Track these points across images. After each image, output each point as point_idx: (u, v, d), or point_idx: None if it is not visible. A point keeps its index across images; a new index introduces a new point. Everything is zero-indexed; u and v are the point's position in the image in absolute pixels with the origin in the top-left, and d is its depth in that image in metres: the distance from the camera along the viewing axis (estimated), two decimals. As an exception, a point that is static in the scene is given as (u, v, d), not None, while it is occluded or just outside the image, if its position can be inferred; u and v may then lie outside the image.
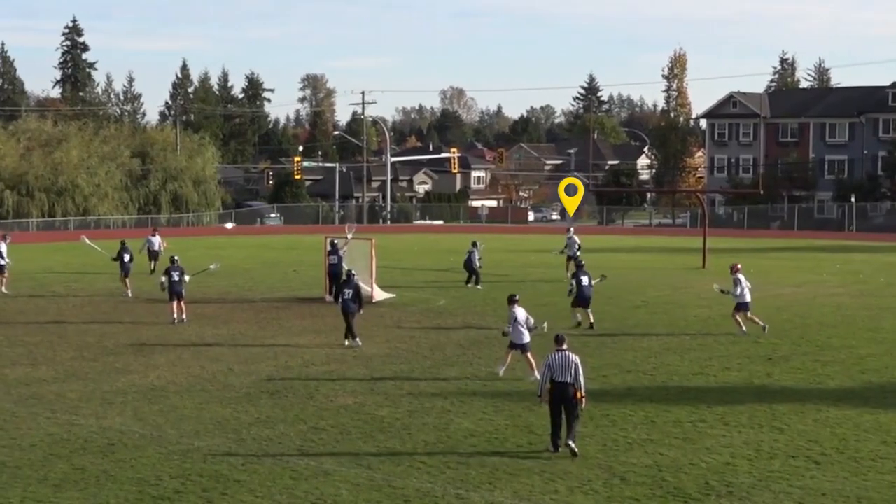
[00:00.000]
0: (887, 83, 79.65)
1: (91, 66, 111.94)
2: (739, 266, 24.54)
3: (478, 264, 32.84)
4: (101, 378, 18.74)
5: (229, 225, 68.82)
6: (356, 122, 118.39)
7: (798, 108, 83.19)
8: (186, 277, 25.81)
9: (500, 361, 19.31)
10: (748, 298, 23.83)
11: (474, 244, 33.63)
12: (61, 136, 72.87)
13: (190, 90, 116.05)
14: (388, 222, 79.00)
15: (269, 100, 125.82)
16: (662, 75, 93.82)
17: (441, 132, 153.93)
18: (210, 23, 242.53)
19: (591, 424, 15.41)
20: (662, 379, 19.04)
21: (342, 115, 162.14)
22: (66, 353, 21.23)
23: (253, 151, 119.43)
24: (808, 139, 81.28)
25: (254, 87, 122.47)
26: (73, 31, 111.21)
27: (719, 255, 45.15)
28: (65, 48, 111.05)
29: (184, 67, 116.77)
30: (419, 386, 18.17)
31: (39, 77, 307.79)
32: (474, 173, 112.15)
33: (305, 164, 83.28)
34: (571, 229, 36.45)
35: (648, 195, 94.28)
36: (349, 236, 30.53)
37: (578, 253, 34.75)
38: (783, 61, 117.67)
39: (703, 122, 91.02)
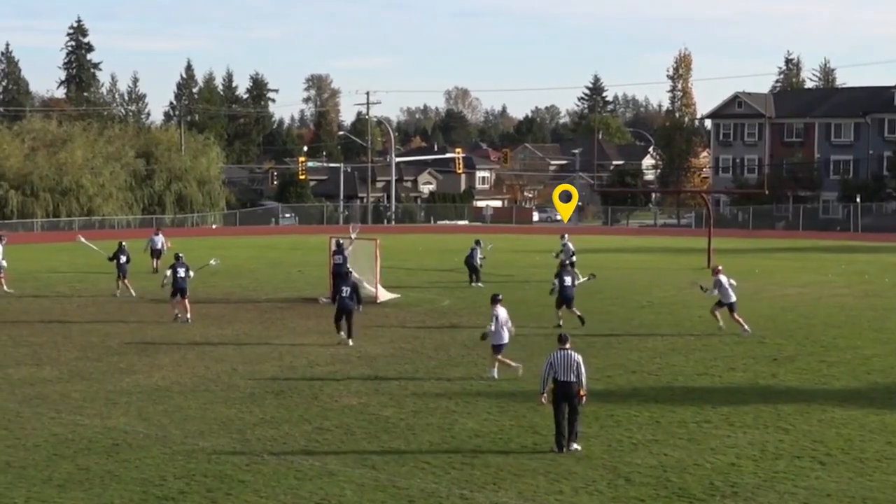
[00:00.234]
0: (892, 83, 79.59)
1: (96, 66, 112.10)
2: (721, 267, 24.76)
3: (479, 262, 32.83)
4: (105, 378, 18.74)
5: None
6: (361, 122, 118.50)
7: (803, 108, 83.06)
8: (191, 274, 25.85)
9: (489, 366, 19.13)
10: (734, 298, 23.87)
11: (477, 242, 33.65)
12: (66, 137, 72.99)
13: (194, 90, 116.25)
14: (393, 222, 79.00)
15: (273, 100, 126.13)
16: (667, 75, 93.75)
17: (446, 132, 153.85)
18: (215, 23, 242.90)
19: (595, 425, 15.39)
20: (667, 379, 19.00)
21: (347, 116, 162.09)
22: (70, 353, 21.24)
23: (257, 152, 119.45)
24: (813, 139, 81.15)
25: (258, 88, 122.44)
26: (78, 31, 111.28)
27: (724, 255, 45.08)
28: (69, 48, 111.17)
29: (188, 68, 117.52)
30: (423, 386, 18.15)
31: (44, 77, 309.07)
32: (479, 173, 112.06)
33: (310, 164, 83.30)
34: (566, 236, 36.33)
35: (653, 195, 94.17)
36: (353, 236, 30.51)
37: (574, 259, 34.71)
38: (788, 61, 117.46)
39: (708, 123, 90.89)
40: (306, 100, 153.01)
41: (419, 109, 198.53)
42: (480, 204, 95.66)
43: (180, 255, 26.49)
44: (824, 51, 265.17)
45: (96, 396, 17.25)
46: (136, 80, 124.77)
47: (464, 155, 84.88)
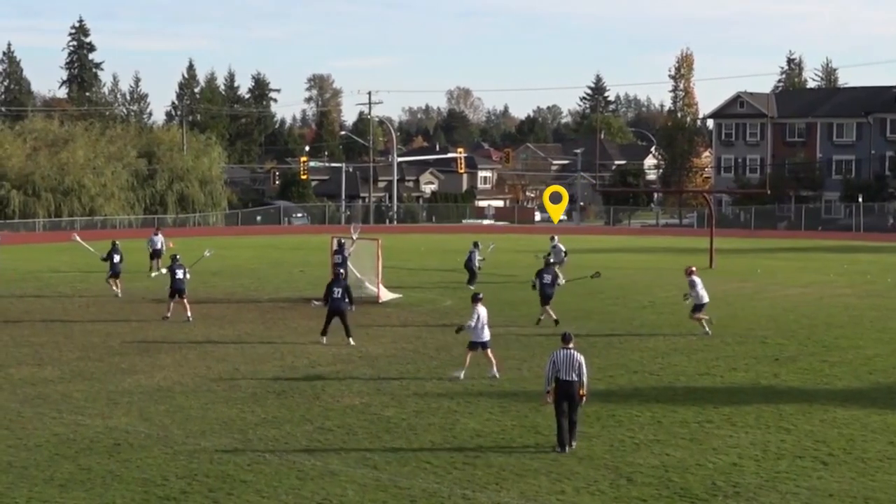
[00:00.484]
0: (894, 83, 79.51)
1: (97, 66, 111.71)
2: (694, 268, 24.65)
3: (477, 265, 32.81)
4: (106, 378, 18.72)
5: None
6: (362, 122, 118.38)
7: (805, 108, 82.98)
8: (189, 275, 25.89)
9: (459, 366, 19.03)
10: (706, 300, 23.85)
11: (475, 244, 33.64)
12: (67, 137, 72.71)
13: (196, 90, 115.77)
14: (395, 222, 78.96)
15: (275, 100, 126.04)
16: (669, 75, 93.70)
17: (447, 132, 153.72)
18: (216, 23, 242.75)
19: (597, 425, 15.39)
20: (669, 379, 18.98)
21: (348, 116, 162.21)
22: (71, 353, 21.22)
23: (259, 151, 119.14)
24: (815, 139, 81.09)
25: (260, 88, 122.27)
26: (80, 31, 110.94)
27: (726, 255, 45.11)
28: (71, 48, 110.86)
29: (190, 67, 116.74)
30: (425, 386, 18.13)
31: (46, 77, 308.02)
32: (481, 173, 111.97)
33: (312, 164, 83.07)
34: (556, 237, 36.29)
35: (655, 195, 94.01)
36: (355, 237, 30.48)
37: (566, 260, 34.66)
38: (790, 61, 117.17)
39: (710, 123, 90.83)
40: (308, 99, 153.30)
41: (421, 109, 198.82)
42: (482, 204, 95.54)
43: (177, 256, 26.52)
44: (826, 50, 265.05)
45: (98, 396, 17.23)
46: (137, 80, 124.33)
47: (466, 155, 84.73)
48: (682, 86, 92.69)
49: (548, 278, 24.81)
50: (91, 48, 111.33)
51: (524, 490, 12.43)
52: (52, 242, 55.10)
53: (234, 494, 12.23)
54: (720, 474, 13.13)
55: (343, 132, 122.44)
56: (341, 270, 23.52)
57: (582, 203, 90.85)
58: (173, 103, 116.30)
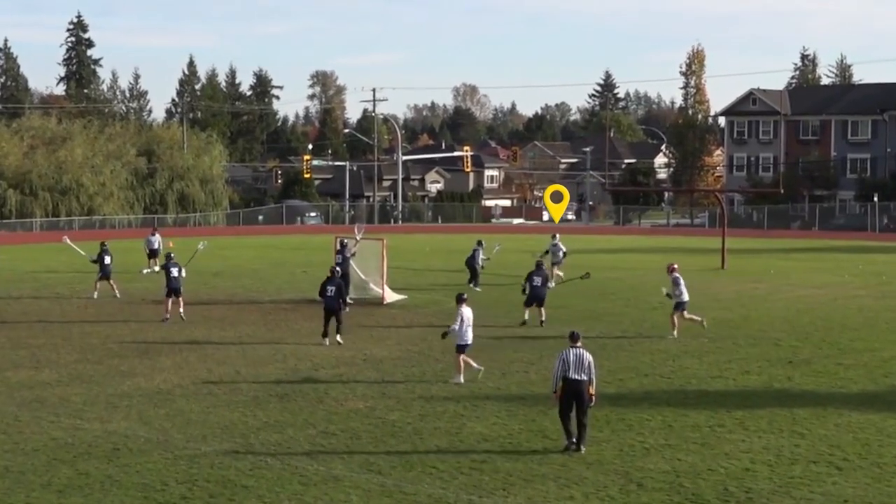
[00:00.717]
0: (910, 80, 78.91)
1: (96, 62, 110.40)
2: (676, 266, 24.41)
3: (480, 264, 32.56)
4: (105, 381, 18.59)
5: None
6: (367, 119, 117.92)
7: (819, 105, 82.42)
8: (184, 273, 25.78)
9: (455, 371, 18.82)
10: (686, 298, 23.63)
11: (479, 243, 33.41)
12: (65, 135, 71.90)
13: (197, 87, 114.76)
14: (400, 222, 78.69)
15: (277, 97, 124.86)
16: (680, 72, 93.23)
17: (454, 130, 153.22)
18: (217, 18, 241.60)
19: (607, 429, 15.27)
20: (680, 382, 18.83)
21: (352, 113, 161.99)
22: (69, 356, 21.06)
23: (261, 150, 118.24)
24: (829, 137, 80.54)
25: (262, 84, 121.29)
26: (78, 26, 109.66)
27: (739, 255, 44.79)
28: (69, 44, 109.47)
29: (191, 64, 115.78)
30: (431, 389, 17.99)
31: (43, 74, 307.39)
32: (487, 172, 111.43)
33: (315, 162, 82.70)
34: (557, 235, 36.17)
35: (666, 195, 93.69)
36: (358, 237, 30.26)
37: (564, 260, 34.50)
38: (804, 57, 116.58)
39: (722, 120, 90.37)
40: (311, 97, 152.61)
41: (426, 107, 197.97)
42: (489, 203, 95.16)
43: (172, 255, 26.42)
44: (841, 46, 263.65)
45: (96, 400, 17.11)
46: (137, 77, 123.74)
47: (472, 153, 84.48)
48: (693, 82, 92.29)
49: (538, 280, 24.89)
50: (90, 44, 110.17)
51: (532, 496, 12.33)
52: (50, 242, 54.90)
53: (236, 500, 12.12)
54: (732, 480, 13.00)
55: (347, 130, 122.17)
56: (337, 269, 23.63)
57: (591, 203, 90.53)
58: (173, 100, 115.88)
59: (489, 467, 13.38)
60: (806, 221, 74.35)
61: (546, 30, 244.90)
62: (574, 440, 14.07)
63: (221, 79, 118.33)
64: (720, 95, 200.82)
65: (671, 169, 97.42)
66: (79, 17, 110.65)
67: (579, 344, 14.26)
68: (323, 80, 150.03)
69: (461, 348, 18.47)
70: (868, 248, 54.17)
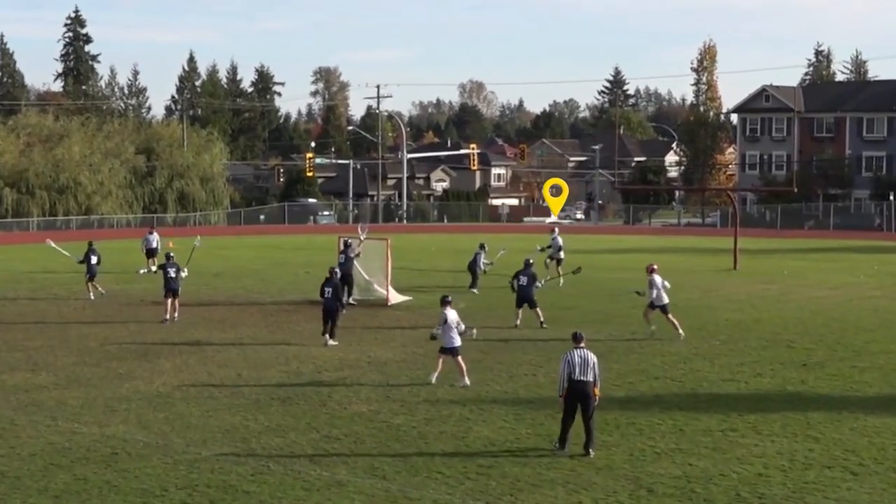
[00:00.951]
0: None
1: (94, 58, 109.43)
2: (655, 266, 24.01)
3: (482, 268, 32.32)
4: (103, 384, 18.45)
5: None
6: (371, 116, 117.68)
7: (834, 102, 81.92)
8: (183, 273, 25.66)
9: (432, 370, 18.67)
10: (666, 300, 23.26)
11: (482, 246, 33.21)
12: (63, 132, 71.39)
13: (197, 84, 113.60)
14: (405, 222, 78.41)
15: (279, 94, 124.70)
16: (691, 68, 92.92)
17: (460, 127, 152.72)
18: (218, 13, 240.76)
19: (616, 433, 15.13)
20: (692, 386, 18.65)
21: (356, 110, 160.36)
22: (67, 358, 20.91)
23: (263, 147, 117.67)
24: (844, 134, 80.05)
25: (264, 81, 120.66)
26: (76, 21, 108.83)
27: (751, 255, 44.55)
28: (67, 40, 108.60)
29: (191, 60, 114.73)
30: (436, 392, 17.82)
31: (40, 70, 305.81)
32: (494, 170, 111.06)
33: (318, 160, 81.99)
34: (556, 230, 36.13)
35: (677, 193, 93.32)
36: (362, 237, 30.05)
37: (562, 256, 34.39)
38: (818, 53, 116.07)
39: (734, 117, 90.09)
40: (314, 93, 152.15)
41: (432, 103, 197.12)
42: (496, 202, 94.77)
43: (171, 255, 26.32)
44: (856, 42, 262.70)
45: (94, 403, 16.98)
46: (136, 73, 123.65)
47: (478, 151, 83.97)
48: (704, 79, 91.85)
49: (524, 279, 24.60)
50: (87, 40, 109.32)
51: (540, 501, 12.24)
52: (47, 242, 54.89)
53: (236, 506, 12.03)
54: (745, 485, 12.86)
55: (350, 127, 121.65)
56: (336, 270, 23.58)
57: (600, 202, 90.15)
58: (173, 97, 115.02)
59: (496, 472, 13.27)
60: (820, 221, 73.91)
61: (554, 25, 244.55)
62: (564, 447, 14.03)
63: (222, 75, 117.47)
64: (732, 92, 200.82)
65: (682, 167, 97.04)
66: (76, 11, 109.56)
67: (583, 344, 14.22)
68: (326, 77, 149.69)
69: (445, 350, 18.27)
70: (884, 247, 53.83)
